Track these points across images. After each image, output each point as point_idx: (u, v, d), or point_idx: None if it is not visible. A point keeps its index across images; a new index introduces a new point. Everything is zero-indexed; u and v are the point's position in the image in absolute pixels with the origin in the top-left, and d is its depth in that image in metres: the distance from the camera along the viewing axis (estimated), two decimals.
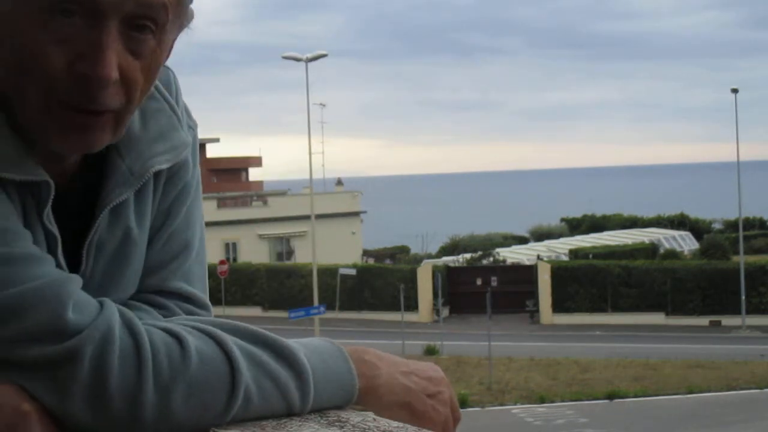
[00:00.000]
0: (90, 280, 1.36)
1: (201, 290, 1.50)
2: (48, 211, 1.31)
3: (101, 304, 1.29)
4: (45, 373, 1.24)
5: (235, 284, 51.22)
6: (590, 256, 54.53)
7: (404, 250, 69.51)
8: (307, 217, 48.62)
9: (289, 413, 1.34)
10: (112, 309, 1.28)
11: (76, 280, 1.29)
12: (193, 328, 1.32)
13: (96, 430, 1.26)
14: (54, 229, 1.32)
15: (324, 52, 43.32)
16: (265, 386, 1.31)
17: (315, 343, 1.40)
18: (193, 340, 1.29)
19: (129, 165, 1.36)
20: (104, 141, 1.29)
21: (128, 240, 1.40)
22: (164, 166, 1.40)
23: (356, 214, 64.55)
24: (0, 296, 1.22)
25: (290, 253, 60.44)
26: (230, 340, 1.31)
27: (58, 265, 1.31)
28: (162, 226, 1.45)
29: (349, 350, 1.41)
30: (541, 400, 32.35)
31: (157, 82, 1.38)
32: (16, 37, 1.23)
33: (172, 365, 1.26)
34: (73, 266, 1.35)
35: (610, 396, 32.64)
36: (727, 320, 46.34)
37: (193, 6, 1.34)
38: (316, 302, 40.70)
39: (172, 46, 1.34)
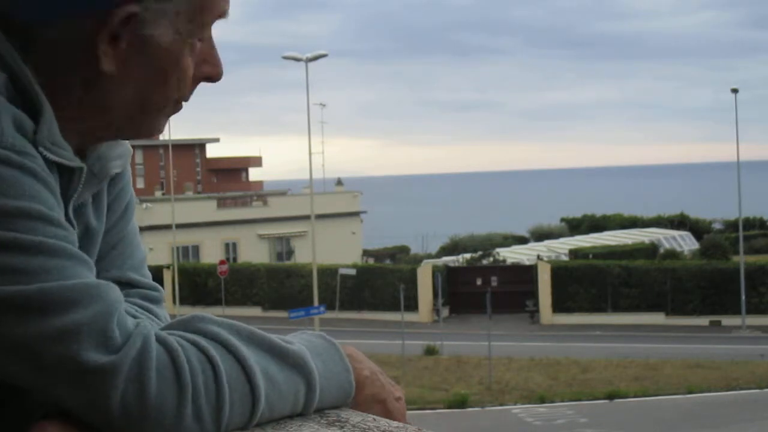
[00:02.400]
0: None
1: (146, 275, 1.53)
2: (73, 201, 1.35)
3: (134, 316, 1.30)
4: (84, 383, 1.22)
5: (235, 284, 51.18)
6: (590, 256, 54.52)
7: (404, 250, 69.51)
8: (307, 217, 48.62)
9: (291, 415, 1.37)
10: (148, 323, 1.28)
11: (119, 290, 1.29)
12: (215, 340, 1.30)
13: None
14: (72, 219, 1.35)
15: (324, 52, 43.31)
16: (278, 403, 1.33)
17: (314, 343, 1.41)
18: (221, 362, 1.28)
19: (91, 167, 1.38)
20: None
21: (88, 237, 1.42)
22: (118, 171, 1.45)
23: (356, 214, 64.57)
24: (57, 285, 1.21)
25: (290, 253, 60.46)
26: (252, 360, 1.30)
27: None
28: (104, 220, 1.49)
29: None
30: (541, 400, 32.36)
31: None
32: (173, 65, 1.34)
33: (207, 391, 1.26)
34: None
35: (610, 396, 32.65)
36: (727, 320, 46.33)
37: None
38: (316, 302, 40.68)
39: None
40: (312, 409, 1.37)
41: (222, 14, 1.38)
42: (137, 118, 1.37)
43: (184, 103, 1.41)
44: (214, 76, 1.39)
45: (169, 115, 1.40)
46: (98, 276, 1.39)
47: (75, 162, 1.32)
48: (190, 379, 1.24)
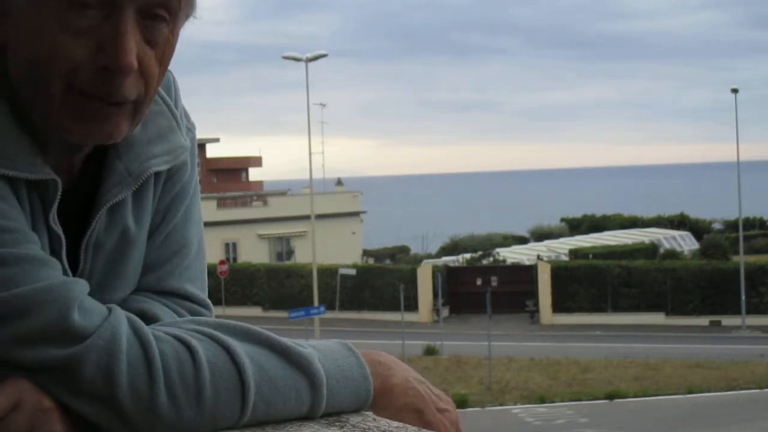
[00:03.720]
0: (89, 279, 1.36)
1: (200, 288, 1.50)
2: (54, 211, 1.32)
3: (109, 311, 1.28)
4: (52, 375, 1.24)
5: (235, 284, 51.21)
6: (590, 256, 54.49)
7: (404, 250, 69.45)
8: (307, 217, 48.61)
9: (299, 418, 1.35)
10: (120, 317, 1.28)
11: (83, 284, 1.29)
12: (203, 334, 1.31)
13: (113, 428, 1.26)
14: (58, 229, 1.33)
15: (324, 52, 43.32)
16: (275, 398, 1.31)
17: (330, 347, 1.39)
18: (203, 351, 1.28)
19: (126, 166, 1.37)
20: (123, 131, 1.30)
21: (126, 239, 1.40)
22: (162, 168, 1.41)
23: (356, 214, 64.53)
24: (5, 295, 1.23)
25: (290, 253, 60.43)
26: (242, 350, 1.30)
27: (62, 266, 1.31)
28: (160, 224, 1.45)
29: (363, 353, 1.41)
30: (541, 400, 32.35)
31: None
32: (34, 32, 1.24)
33: (183, 378, 1.26)
34: (72, 265, 1.36)
35: (610, 396, 32.64)
36: (727, 320, 46.32)
37: None
38: (316, 302, 40.69)
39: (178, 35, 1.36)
40: (319, 412, 1.35)
41: None
42: (38, 104, 1.28)
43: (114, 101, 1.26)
44: (109, 67, 1.24)
45: (78, 113, 1.26)
46: (156, 285, 1.42)
47: (34, 174, 1.28)
48: (161, 367, 1.25)
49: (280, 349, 1.33)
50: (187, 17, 1.33)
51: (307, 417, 1.35)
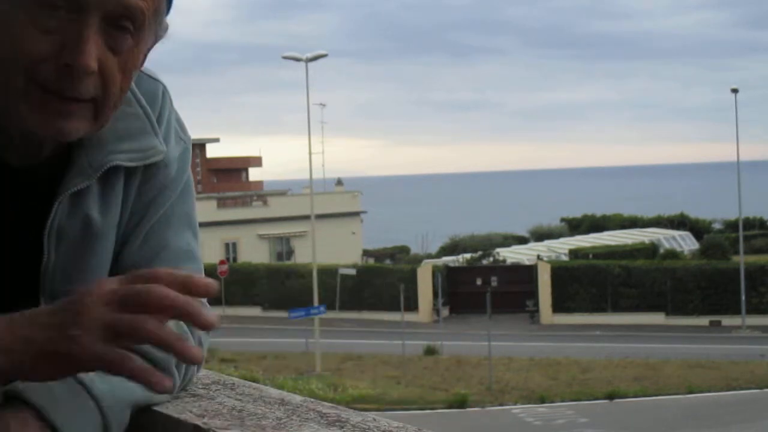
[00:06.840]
0: (54, 267, 1.41)
1: None
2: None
3: None
4: None
5: (235, 284, 51.18)
6: (590, 256, 54.50)
7: (404, 250, 69.45)
8: (307, 217, 48.60)
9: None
10: None
11: None
12: None
13: None
14: None
15: (324, 52, 43.29)
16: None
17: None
18: None
19: (88, 157, 1.42)
20: (80, 130, 1.35)
21: (89, 229, 1.44)
22: (125, 164, 1.45)
23: (356, 214, 64.54)
24: None
25: (290, 253, 60.44)
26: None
27: None
28: (138, 225, 1.49)
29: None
30: (541, 400, 32.34)
31: (137, 91, 1.47)
32: (2, 26, 1.30)
33: None
34: (37, 253, 1.40)
35: (610, 396, 32.64)
36: (727, 320, 46.33)
37: (168, 19, 1.41)
38: (316, 302, 40.66)
39: (147, 54, 1.41)
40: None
41: None
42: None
43: (70, 100, 1.32)
44: (71, 64, 1.29)
45: (36, 105, 1.31)
46: None
47: None
48: None
49: None
50: (156, 39, 1.40)
51: None
